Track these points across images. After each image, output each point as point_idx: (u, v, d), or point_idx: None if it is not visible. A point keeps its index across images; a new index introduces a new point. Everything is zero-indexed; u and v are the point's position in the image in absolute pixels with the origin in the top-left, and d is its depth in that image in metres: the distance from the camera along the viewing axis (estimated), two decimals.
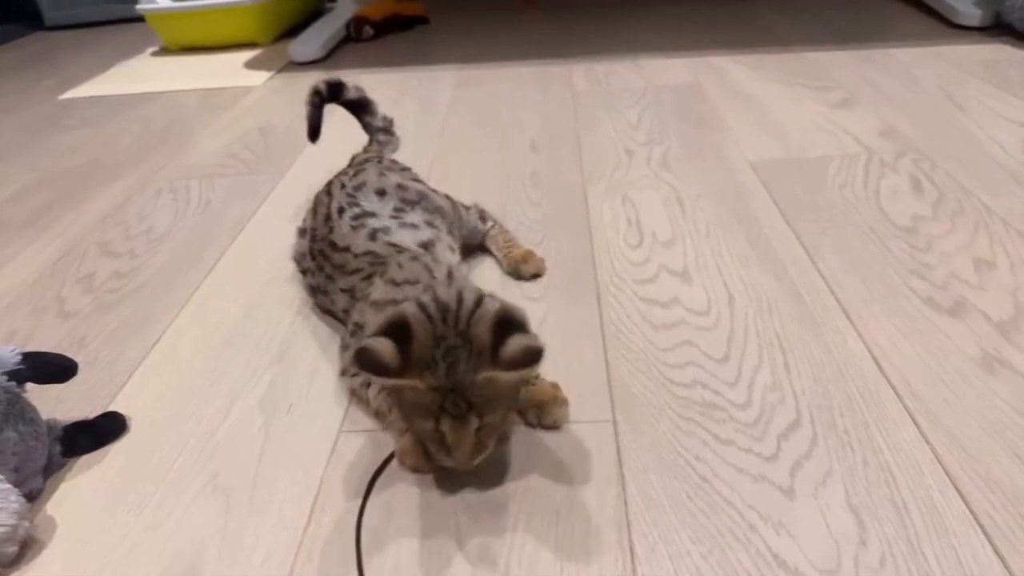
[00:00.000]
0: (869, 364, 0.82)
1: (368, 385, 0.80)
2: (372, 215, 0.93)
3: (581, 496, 0.69)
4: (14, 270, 1.18)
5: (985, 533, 0.63)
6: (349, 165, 1.10)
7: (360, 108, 1.27)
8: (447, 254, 0.91)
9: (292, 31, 2.42)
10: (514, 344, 0.64)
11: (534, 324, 0.92)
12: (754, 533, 0.64)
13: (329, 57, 2.20)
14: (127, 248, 1.21)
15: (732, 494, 0.68)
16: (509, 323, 0.66)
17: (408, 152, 1.34)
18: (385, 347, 0.64)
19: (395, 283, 0.80)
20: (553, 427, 0.77)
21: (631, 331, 0.91)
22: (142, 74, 2.24)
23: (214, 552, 0.67)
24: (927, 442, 0.72)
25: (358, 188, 0.98)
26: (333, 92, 1.24)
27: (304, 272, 0.99)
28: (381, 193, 0.98)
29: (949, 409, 0.75)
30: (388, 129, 1.27)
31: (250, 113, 1.81)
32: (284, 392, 0.86)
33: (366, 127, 1.27)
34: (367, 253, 0.87)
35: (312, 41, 2.20)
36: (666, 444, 0.74)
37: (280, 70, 2.13)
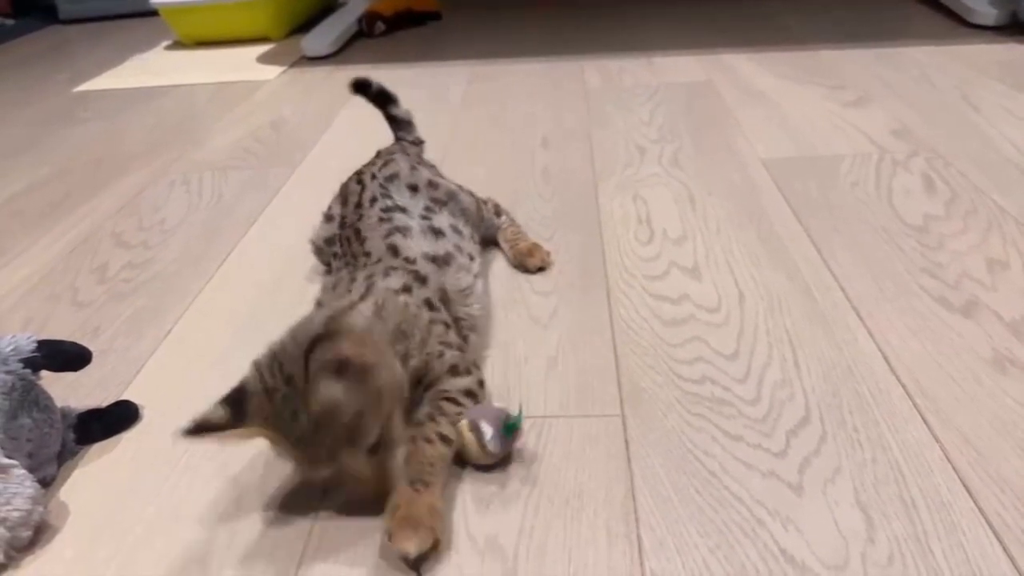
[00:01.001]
0: (879, 362, 0.82)
1: None
2: (403, 210, 0.93)
3: (590, 489, 0.69)
4: (29, 260, 1.19)
5: (994, 531, 0.62)
6: (377, 156, 1.09)
7: (384, 99, 1.24)
8: (460, 273, 0.89)
9: (304, 26, 2.43)
10: (317, 355, 0.59)
11: (544, 319, 0.94)
12: (762, 528, 0.64)
13: (341, 52, 2.20)
14: (140, 239, 1.22)
15: (740, 489, 0.68)
16: (317, 343, 0.60)
17: None
18: (213, 411, 0.63)
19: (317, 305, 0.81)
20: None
21: (641, 326, 0.91)
22: (156, 68, 2.26)
23: (225, 540, 0.67)
24: (937, 440, 0.72)
25: (390, 179, 0.98)
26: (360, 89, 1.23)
27: (332, 256, 0.99)
28: (413, 188, 0.98)
29: (960, 408, 0.75)
30: (409, 123, 1.24)
31: (262, 107, 1.82)
32: None
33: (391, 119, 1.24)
34: (367, 254, 0.86)
35: (324, 36, 2.21)
36: (675, 439, 0.74)
37: (292, 65, 2.13)
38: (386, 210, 0.92)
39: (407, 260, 0.85)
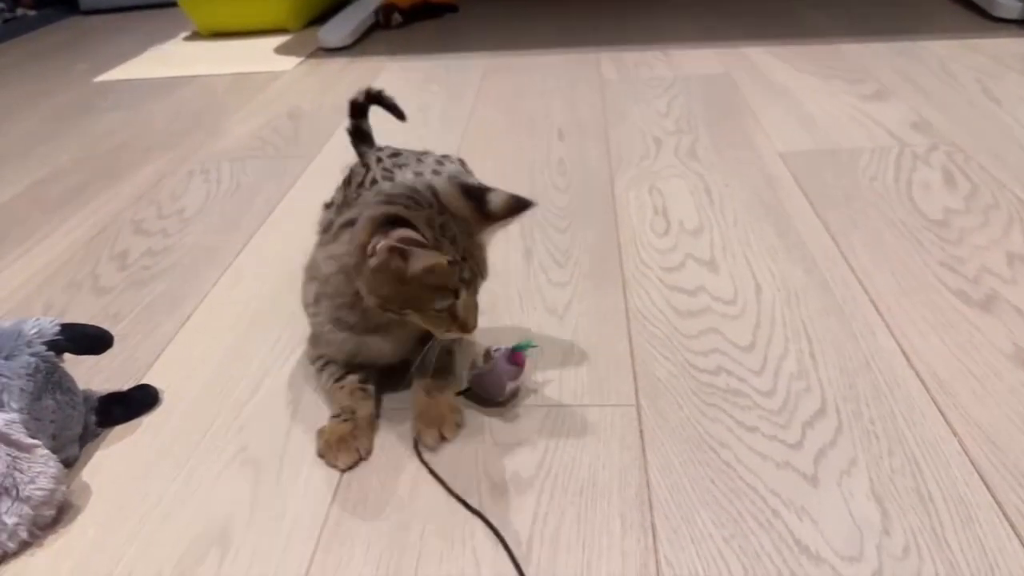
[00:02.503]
0: (897, 355, 0.82)
1: (324, 366, 0.83)
2: None
3: (604, 478, 0.69)
4: (50, 247, 1.21)
5: (1011, 524, 0.62)
6: (388, 146, 1.09)
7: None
8: None
9: (322, 17, 2.43)
10: (497, 198, 0.71)
11: (560, 310, 0.94)
12: (777, 519, 0.64)
13: (357, 44, 2.21)
14: (160, 227, 1.24)
15: (755, 480, 0.68)
16: (469, 187, 0.74)
17: (435, 139, 1.35)
18: (411, 231, 0.66)
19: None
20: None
21: (656, 318, 0.91)
22: (175, 58, 2.27)
23: (243, 522, 0.68)
24: (954, 433, 0.71)
25: (397, 165, 0.99)
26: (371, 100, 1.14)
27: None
28: (418, 175, 0.98)
29: (978, 402, 0.75)
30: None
31: (280, 98, 1.83)
32: (312, 369, 0.87)
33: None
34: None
35: (341, 28, 2.22)
36: (690, 429, 0.74)
37: (309, 56, 2.14)
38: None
39: None
